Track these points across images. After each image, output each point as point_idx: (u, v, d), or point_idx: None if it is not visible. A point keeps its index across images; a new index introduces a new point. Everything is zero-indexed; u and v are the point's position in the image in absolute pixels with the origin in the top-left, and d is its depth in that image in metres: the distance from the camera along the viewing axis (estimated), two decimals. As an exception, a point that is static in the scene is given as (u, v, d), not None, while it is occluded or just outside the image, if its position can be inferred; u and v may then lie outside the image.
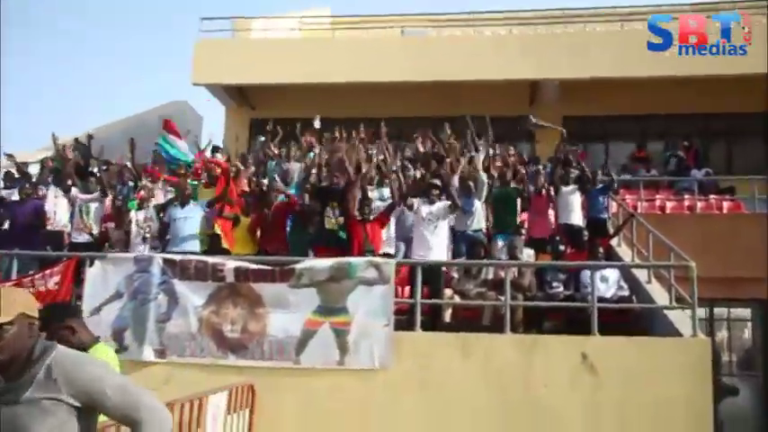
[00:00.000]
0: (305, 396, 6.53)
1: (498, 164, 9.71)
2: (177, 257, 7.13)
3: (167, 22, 44.46)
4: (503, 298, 6.91)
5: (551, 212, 9.33)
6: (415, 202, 8.11)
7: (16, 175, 10.51)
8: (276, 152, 10.95)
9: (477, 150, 9.57)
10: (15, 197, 9.34)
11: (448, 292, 7.65)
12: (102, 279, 7.12)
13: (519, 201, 9.02)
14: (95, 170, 10.19)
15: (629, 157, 14.73)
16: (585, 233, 8.76)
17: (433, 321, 7.24)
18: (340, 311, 6.68)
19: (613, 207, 10.35)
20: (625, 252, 9.30)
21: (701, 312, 9.39)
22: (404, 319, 7.03)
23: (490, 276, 7.85)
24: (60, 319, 3.42)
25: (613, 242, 9.42)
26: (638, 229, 9.08)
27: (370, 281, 6.75)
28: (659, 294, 7.64)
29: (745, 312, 15.67)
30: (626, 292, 7.82)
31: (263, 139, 11.94)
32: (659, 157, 15.10)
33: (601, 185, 9.55)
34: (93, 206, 8.85)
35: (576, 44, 14.49)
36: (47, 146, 11.77)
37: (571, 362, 6.31)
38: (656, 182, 13.37)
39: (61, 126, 38.11)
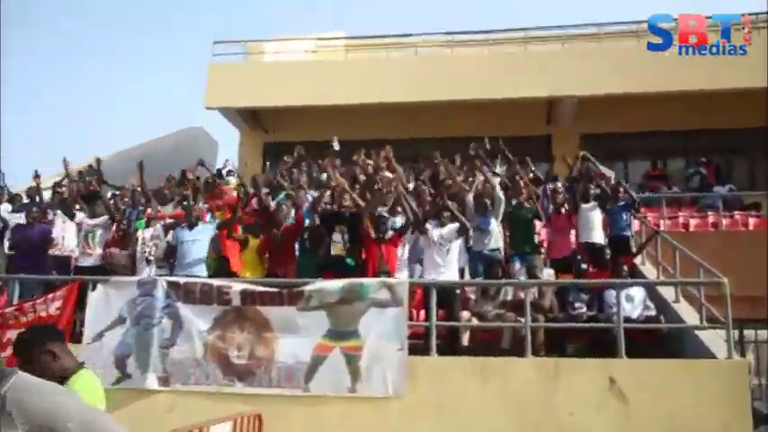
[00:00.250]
0: (315, 425, 6.24)
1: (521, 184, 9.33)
2: (182, 280, 6.89)
3: (181, 44, 44.88)
4: (523, 320, 6.58)
5: (572, 231, 9.01)
6: (428, 225, 7.80)
7: (25, 200, 10.48)
8: (286, 179, 10.72)
9: (488, 169, 9.32)
10: (22, 221, 9.19)
11: (465, 314, 7.31)
12: (104, 304, 6.90)
13: (535, 220, 8.75)
14: (108, 194, 10.12)
15: (644, 176, 14.53)
16: (608, 251, 8.42)
17: (449, 345, 6.92)
18: (351, 335, 6.39)
19: (635, 225, 9.99)
20: (649, 270, 8.95)
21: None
22: (419, 343, 6.69)
23: (509, 297, 7.53)
24: (41, 343, 3.14)
25: (636, 261, 9.06)
26: (662, 247, 8.71)
27: (383, 303, 6.46)
28: (688, 314, 7.26)
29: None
30: (653, 312, 7.43)
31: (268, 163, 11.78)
32: (679, 174, 14.85)
33: (623, 202, 9.22)
34: (99, 231, 8.64)
35: (593, 61, 14.28)
36: (59, 172, 11.72)
37: (597, 387, 5.94)
38: (678, 199, 13.04)
39: (62, 125, 38.52)
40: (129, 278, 7.27)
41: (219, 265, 8.01)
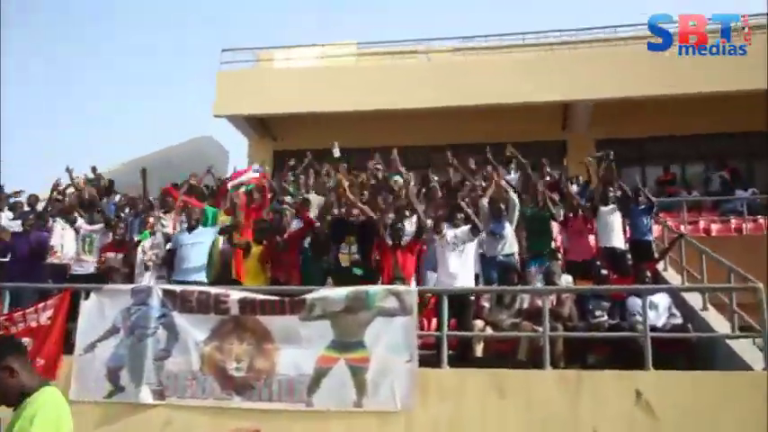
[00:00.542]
0: (317, 442, 5.84)
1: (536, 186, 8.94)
2: (178, 288, 6.54)
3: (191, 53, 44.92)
4: (540, 329, 6.16)
5: (590, 236, 8.59)
6: (443, 226, 7.42)
7: (25, 208, 10.29)
8: (290, 185, 10.43)
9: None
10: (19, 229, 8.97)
11: (479, 323, 6.91)
12: (97, 313, 6.59)
13: (553, 223, 8.45)
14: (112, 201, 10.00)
15: (656, 181, 14.38)
16: (629, 257, 7.98)
17: (461, 356, 6.51)
18: (357, 346, 6.03)
19: (655, 230, 9.57)
20: (672, 277, 8.56)
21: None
22: (429, 355, 6.29)
23: (525, 305, 7.12)
24: (-2, 357, 2.77)
25: (659, 267, 8.60)
26: (687, 252, 8.26)
27: (391, 311, 6.09)
28: (717, 322, 6.82)
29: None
30: (679, 320, 6.98)
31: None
32: (698, 178, 14.51)
33: (643, 205, 8.80)
34: (97, 237, 8.47)
35: (607, 64, 14.05)
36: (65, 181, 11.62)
37: (623, 401, 5.50)
38: (698, 203, 12.68)
39: (71, 134, 38.61)
40: (123, 286, 6.92)
41: (222, 273, 7.70)
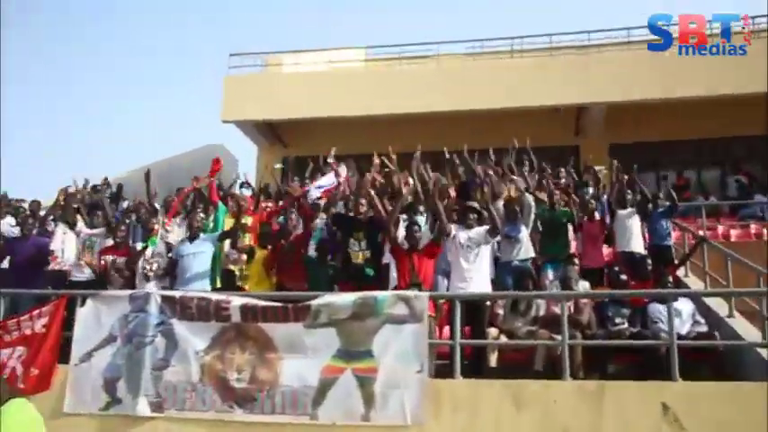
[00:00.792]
0: (323, 457, 5.52)
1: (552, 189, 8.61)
2: (177, 294, 6.25)
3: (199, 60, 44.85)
4: (558, 337, 5.82)
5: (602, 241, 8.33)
6: (453, 228, 7.00)
7: (28, 213, 10.12)
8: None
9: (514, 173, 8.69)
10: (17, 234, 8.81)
11: (493, 331, 6.58)
12: (94, 320, 6.29)
13: (570, 226, 8.13)
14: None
15: (670, 187, 13.85)
16: (649, 262, 7.65)
17: (475, 366, 6.17)
18: (364, 356, 5.67)
19: (674, 235, 9.25)
20: (695, 283, 8.25)
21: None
22: (441, 365, 5.97)
23: (541, 312, 6.78)
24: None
25: (679, 273, 8.27)
26: (709, 257, 7.92)
27: (400, 319, 5.74)
28: (745, 330, 6.45)
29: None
30: (704, 328, 6.62)
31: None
32: (714, 183, 14.34)
33: (662, 209, 8.47)
34: (98, 241, 8.23)
35: (620, 68, 13.89)
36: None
37: (650, 414, 5.12)
38: (716, 209, 12.42)
39: (79, 141, 38.62)
40: (121, 292, 6.63)
41: (225, 280, 7.44)
